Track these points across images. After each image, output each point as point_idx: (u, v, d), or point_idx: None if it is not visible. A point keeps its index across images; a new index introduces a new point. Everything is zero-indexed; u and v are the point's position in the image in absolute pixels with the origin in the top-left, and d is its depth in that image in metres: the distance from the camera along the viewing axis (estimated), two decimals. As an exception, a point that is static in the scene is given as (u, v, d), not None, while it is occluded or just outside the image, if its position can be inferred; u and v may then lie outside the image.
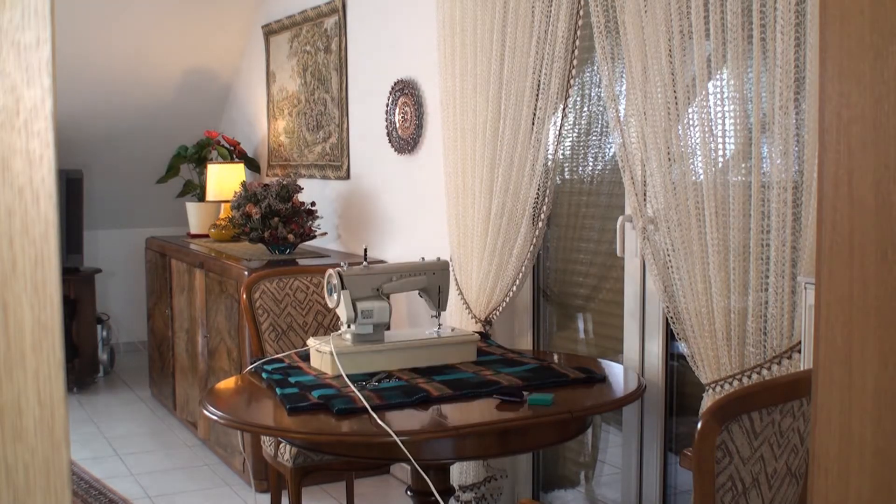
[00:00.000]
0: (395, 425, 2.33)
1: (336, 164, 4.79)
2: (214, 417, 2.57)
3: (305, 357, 2.97)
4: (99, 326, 6.04)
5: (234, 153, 5.61)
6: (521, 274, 3.27)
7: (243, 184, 4.66)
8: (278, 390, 2.64)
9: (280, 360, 2.99)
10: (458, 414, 2.47)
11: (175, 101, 6.05)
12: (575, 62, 3.02)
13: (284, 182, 4.52)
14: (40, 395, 0.76)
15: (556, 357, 3.16)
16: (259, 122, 5.79)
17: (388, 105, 4.22)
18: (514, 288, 3.29)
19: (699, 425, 1.78)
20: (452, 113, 3.48)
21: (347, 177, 4.69)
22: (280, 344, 3.42)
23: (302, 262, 4.37)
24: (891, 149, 0.90)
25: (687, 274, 2.53)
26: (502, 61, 3.20)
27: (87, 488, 4.10)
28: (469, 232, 3.44)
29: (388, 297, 2.90)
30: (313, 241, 4.63)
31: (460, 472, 3.45)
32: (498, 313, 3.36)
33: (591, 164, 3.35)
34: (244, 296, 3.41)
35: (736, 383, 2.41)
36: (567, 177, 3.42)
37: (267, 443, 3.28)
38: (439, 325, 3.00)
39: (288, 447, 3.12)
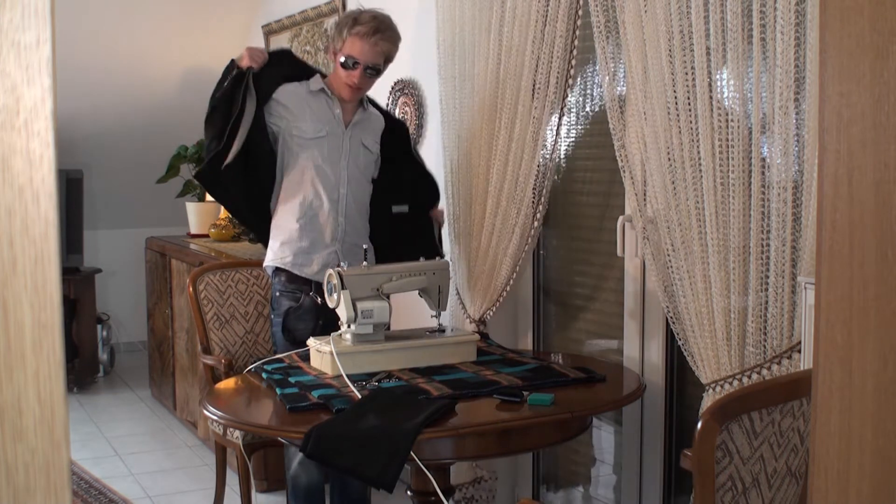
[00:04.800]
0: (395, 425, 2.33)
1: (336, 164, 4.79)
2: (214, 417, 2.57)
3: (305, 357, 2.97)
4: (99, 326, 6.04)
5: (234, 153, 5.61)
6: (514, 274, 3.26)
7: (243, 184, 4.64)
8: (278, 390, 2.64)
9: (280, 360, 2.99)
10: (458, 414, 2.47)
11: (175, 101, 6.05)
12: (574, 62, 3.02)
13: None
14: (40, 395, 0.76)
15: (556, 357, 3.16)
16: (259, 122, 5.79)
17: (388, 105, 4.22)
18: (508, 288, 3.29)
19: (699, 425, 1.78)
20: (452, 112, 3.48)
21: (347, 177, 4.69)
22: (223, 332, 3.64)
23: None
24: (891, 149, 0.90)
25: (687, 274, 2.53)
26: (499, 61, 3.20)
27: (87, 488, 4.10)
28: (466, 231, 3.44)
29: (388, 297, 2.90)
30: (313, 241, 4.62)
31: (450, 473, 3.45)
32: (491, 313, 3.36)
33: (591, 164, 3.35)
34: (190, 288, 3.64)
35: (736, 383, 2.41)
36: (567, 177, 3.42)
37: (213, 422, 3.32)
38: (439, 324, 3.00)
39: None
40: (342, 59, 3.16)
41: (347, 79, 3.17)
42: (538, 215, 3.19)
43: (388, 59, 3.23)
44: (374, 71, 3.18)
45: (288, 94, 3.21)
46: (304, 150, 3.20)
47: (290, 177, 3.23)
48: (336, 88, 3.23)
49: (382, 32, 3.13)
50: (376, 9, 3.22)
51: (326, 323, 3.14)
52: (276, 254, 3.24)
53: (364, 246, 3.11)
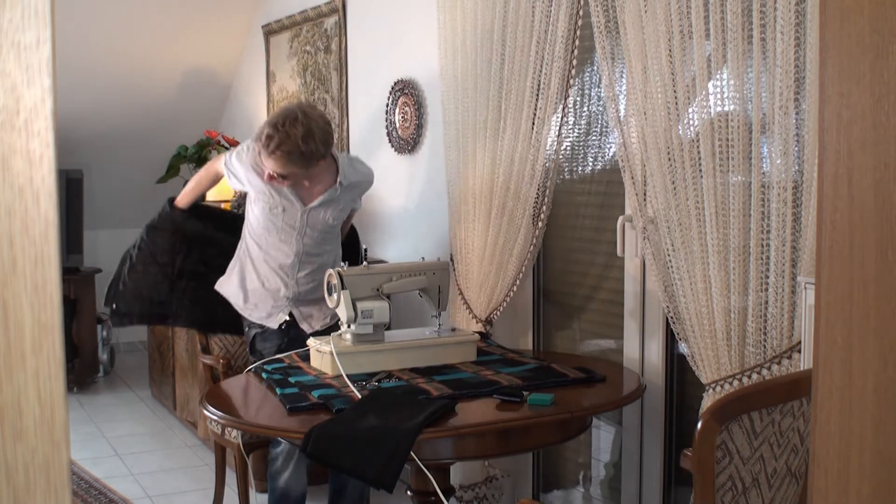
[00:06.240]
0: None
1: (336, 164, 4.79)
2: (214, 417, 2.57)
3: (305, 357, 2.97)
4: (99, 326, 6.04)
5: (234, 153, 5.61)
6: (521, 273, 3.27)
7: (243, 184, 4.64)
8: (278, 390, 2.64)
9: (280, 360, 2.99)
10: (458, 414, 2.47)
11: (175, 101, 6.05)
12: (574, 62, 3.02)
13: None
14: (40, 395, 0.76)
15: (556, 357, 3.16)
16: (259, 122, 5.78)
17: (388, 105, 4.22)
18: (515, 288, 3.29)
19: (699, 425, 1.78)
20: (453, 113, 3.48)
21: (347, 177, 4.69)
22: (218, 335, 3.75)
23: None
24: (891, 149, 0.90)
25: (687, 274, 2.53)
26: (502, 61, 3.20)
27: (87, 488, 4.10)
28: (470, 232, 3.44)
29: (389, 297, 2.90)
30: (313, 241, 4.62)
31: (461, 472, 3.45)
32: (499, 313, 3.36)
33: (591, 164, 3.35)
34: None
35: (736, 383, 2.41)
36: (567, 177, 3.42)
37: (212, 422, 3.34)
38: (439, 325, 3.00)
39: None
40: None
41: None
42: (542, 216, 3.19)
43: (301, 169, 3.09)
44: (280, 176, 3.09)
45: (251, 151, 3.23)
46: (261, 217, 3.27)
47: (250, 234, 3.34)
48: None
49: (272, 155, 3.03)
50: (293, 120, 3.04)
51: (291, 340, 3.25)
52: (232, 290, 3.37)
53: (364, 246, 3.11)
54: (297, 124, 3.03)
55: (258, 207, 3.27)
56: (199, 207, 3.64)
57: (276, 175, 3.10)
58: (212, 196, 5.33)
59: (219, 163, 3.41)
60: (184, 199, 3.56)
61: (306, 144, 3.03)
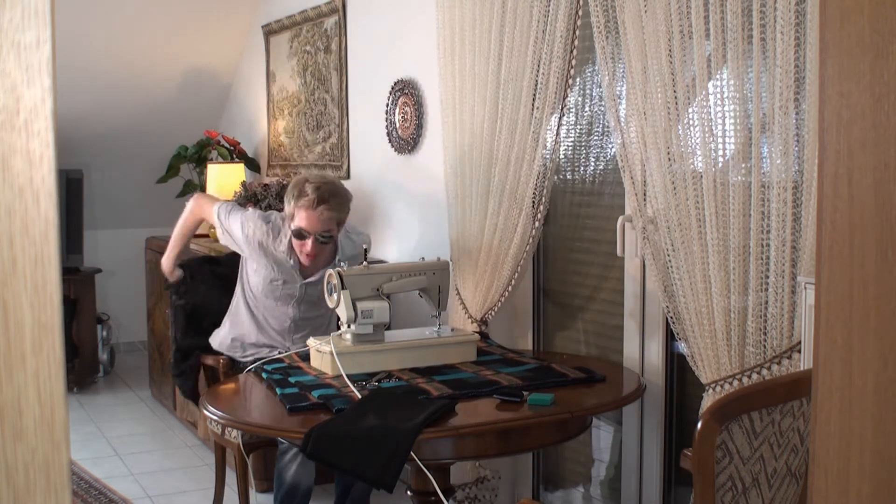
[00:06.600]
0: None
1: (336, 163, 4.79)
2: (214, 417, 2.57)
3: (305, 357, 2.97)
4: (99, 326, 6.04)
5: (234, 153, 5.61)
6: (517, 274, 3.26)
7: (243, 184, 4.65)
8: (278, 390, 2.64)
9: (280, 360, 2.99)
10: (458, 414, 2.47)
11: (175, 101, 6.05)
12: (574, 62, 3.02)
13: (285, 182, 4.51)
14: (40, 395, 0.76)
15: (556, 357, 3.16)
16: (259, 122, 5.79)
17: (388, 105, 4.22)
18: (510, 288, 3.29)
19: (699, 425, 1.78)
20: (452, 113, 3.48)
21: (347, 177, 4.69)
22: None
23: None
24: (891, 149, 0.90)
25: (687, 274, 2.53)
26: (500, 61, 3.20)
27: (87, 488, 4.10)
28: (467, 231, 3.44)
29: (389, 297, 2.90)
30: (313, 241, 4.62)
31: (452, 473, 3.45)
32: (493, 313, 3.36)
33: (591, 164, 3.35)
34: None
35: (736, 383, 2.41)
36: (567, 177, 3.42)
37: (212, 422, 3.38)
38: (439, 325, 3.00)
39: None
40: (293, 229, 3.23)
41: (301, 248, 3.26)
42: (539, 216, 3.19)
43: (340, 222, 3.28)
44: (327, 238, 3.23)
45: (259, 231, 3.36)
46: (260, 284, 3.39)
47: (251, 295, 3.46)
48: (296, 251, 3.32)
49: (327, 202, 3.15)
50: (322, 176, 3.26)
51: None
52: (226, 344, 3.51)
53: (364, 246, 3.12)
54: (326, 177, 3.27)
55: (259, 277, 3.39)
56: (185, 266, 3.72)
57: (310, 238, 3.20)
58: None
59: (209, 214, 3.52)
60: (167, 255, 3.65)
61: (344, 190, 3.29)
